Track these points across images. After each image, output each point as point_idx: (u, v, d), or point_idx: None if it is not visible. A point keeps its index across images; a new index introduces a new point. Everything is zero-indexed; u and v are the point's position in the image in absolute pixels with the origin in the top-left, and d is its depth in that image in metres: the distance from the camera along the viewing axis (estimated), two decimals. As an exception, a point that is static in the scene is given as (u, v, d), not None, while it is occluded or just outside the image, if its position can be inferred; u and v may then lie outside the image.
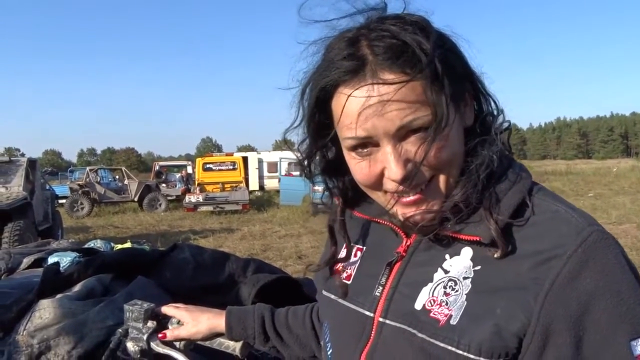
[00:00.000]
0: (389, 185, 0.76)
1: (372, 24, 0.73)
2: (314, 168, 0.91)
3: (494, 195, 0.75)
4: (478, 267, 0.75)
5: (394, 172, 0.72)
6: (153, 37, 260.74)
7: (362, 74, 0.71)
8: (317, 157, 0.89)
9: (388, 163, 0.73)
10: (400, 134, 0.72)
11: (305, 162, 0.89)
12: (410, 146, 0.72)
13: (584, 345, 0.67)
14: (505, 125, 0.82)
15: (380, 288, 0.84)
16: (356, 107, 0.71)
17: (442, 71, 0.70)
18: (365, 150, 0.76)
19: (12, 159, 10.81)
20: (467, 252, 0.77)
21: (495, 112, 0.81)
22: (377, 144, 0.74)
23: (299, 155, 0.89)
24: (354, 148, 0.77)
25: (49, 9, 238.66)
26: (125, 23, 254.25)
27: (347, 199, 0.93)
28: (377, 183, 0.78)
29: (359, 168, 0.78)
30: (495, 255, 0.72)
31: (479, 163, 0.75)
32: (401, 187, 0.74)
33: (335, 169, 0.89)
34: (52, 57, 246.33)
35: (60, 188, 20.02)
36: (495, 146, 0.76)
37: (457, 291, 0.75)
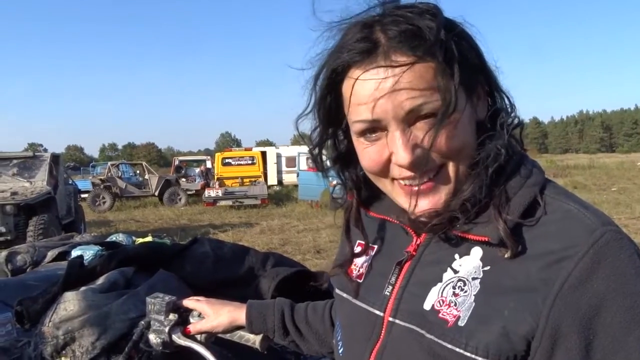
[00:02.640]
0: (396, 171, 0.75)
1: (387, 11, 0.73)
2: (326, 160, 0.90)
3: (503, 194, 0.74)
4: (487, 268, 0.74)
5: (402, 156, 0.72)
6: (174, 33, 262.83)
7: (374, 55, 0.70)
8: (330, 148, 0.88)
9: (396, 148, 0.72)
10: (410, 119, 0.71)
11: (316, 151, 0.88)
12: (419, 132, 0.71)
13: (594, 349, 0.65)
14: (516, 121, 0.80)
15: (390, 287, 0.83)
16: (366, 89, 0.71)
17: (454, 57, 0.70)
18: (373, 135, 0.75)
19: (35, 154, 10.99)
20: (476, 251, 0.76)
21: (508, 109, 0.80)
22: (385, 129, 0.73)
23: (309, 144, 0.88)
24: (362, 133, 0.76)
25: (68, 3, 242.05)
26: (146, 19, 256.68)
27: (360, 194, 0.92)
28: (384, 169, 0.77)
29: (367, 154, 0.77)
30: (505, 256, 0.71)
31: (485, 155, 0.74)
32: (408, 174, 0.74)
33: (347, 160, 0.88)
34: (75, 54, 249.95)
35: (83, 183, 20.33)
36: (502, 141, 0.75)
37: (465, 292, 0.74)
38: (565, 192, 0.76)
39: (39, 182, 10.18)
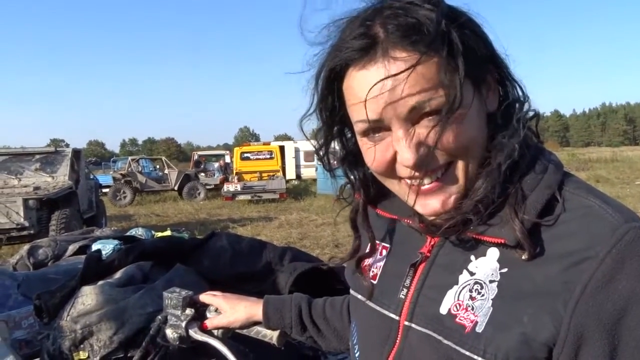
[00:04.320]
0: (402, 171, 0.72)
1: (386, 3, 0.69)
2: (333, 159, 0.87)
3: (519, 191, 0.70)
4: (505, 270, 0.70)
5: (406, 156, 0.68)
6: (194, 28, 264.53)
7: (373, 52, 0.67)
8: (337, 147, 0.85)
9: (400, 147, 0.69)
10: (413, 117, 0.68)
11: (321, 152, 0.85)
12: (424, 129, 0.68)
13: (618, 354, 0.61)
14: (531, 113, 0.76)
15: (405, 290, 0.80)
16: (366, 87, 0.68)
17: (457, 49, 0.66)
18: (377, 135, 0.72)
19: (57, 149, 11.16)
20: (493, 253, 0.72)
21: (521, 99, 0.75)
22: (388, 128, 0.70)
23: (314, 144, 0.85)
24: (365, 133, 0.73)
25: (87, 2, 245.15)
26: (166, 14, 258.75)
27: (368, 193, 0.89)
28: (390, 170, 0.74)
29: (371, 154, 0.74)
30: (523, 258, 0.67)
31: (500, 153, 0.70)
32: (415, 173, 0.70)
33: (355, 160, 0.85)
34: (96, 51, 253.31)
35: (104, 177, 20.62)
36: (518, 136, 0.70)
37: (483, 295, 0.70)
38: (586, 186, 0.72)
39: (61, 177, 10.33)
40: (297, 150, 27.18)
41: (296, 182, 25.51)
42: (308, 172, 25.96)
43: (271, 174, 20.52)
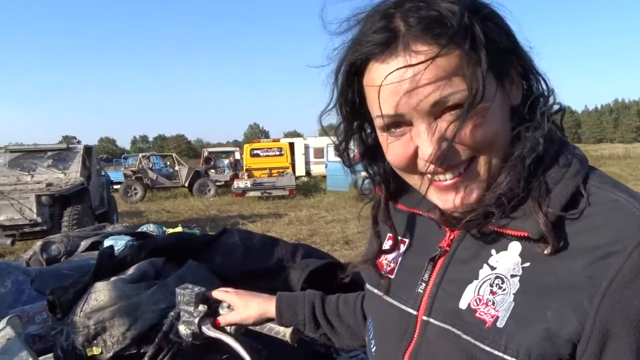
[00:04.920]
0: (424, 166, 0.71)
1: None
2: (353, 154, 0.86)
3: (543, 185, 0.69)
4: (527, 264, 0.69)
5: (427, 151, 0.68)
6: (202, 25, 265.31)
7: (394, 46, 0.66)
8: (356, 142, 0.85)
9: (421, 142, 0.68)
10: (435, 111, 0.67)
11: (342, 147, 0.84)
12: (445, 124, 0.67)
13: None
14: (556, 107, 0.74)
15: (423, 285, 0.79)
16: (387, 82, 0.67)
17: (480, 42, 0.65)
18: (398, 130, 0.71)
19: (69, 146, 11.26)
20: (515, 247, 0.71)
21: (545, 93, 0.74)
22: (410, 123, 0.69)
23: (335, 139, 0.84)
24: (386, 128, 0.72)
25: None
26: (175, 11, 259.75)
27: (389, 188, 0.88)
28: (411, 165, 0.73)
29: (392, 149, 0.73)
30: (546, 252, 0.66)
31: (523, 147, 0.69)
32: (436, 168, 0.69)
33: (375, 154, 0.84)
34: (107, 48, 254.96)
35: (115, 174, 20.77)
36: (542, 130, 0.69)
37: (504, 290, 0.69)
38: (612, 181, 0.70)
39: (73, 174, 10.43)
40: (306, 147, 27.19)
41: (306, 179, 25.55)
42: (318, 169, 25.96)
43: (281, 170, 20.57)
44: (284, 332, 1.18)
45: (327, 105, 0.80)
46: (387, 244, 0.91)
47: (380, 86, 0.68)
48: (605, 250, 0.62)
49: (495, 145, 0.69)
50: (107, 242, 2.62)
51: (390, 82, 0.67)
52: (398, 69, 0.66)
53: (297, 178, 21.65)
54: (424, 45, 0.64)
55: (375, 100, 0.70)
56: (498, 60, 0.67)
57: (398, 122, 0.70)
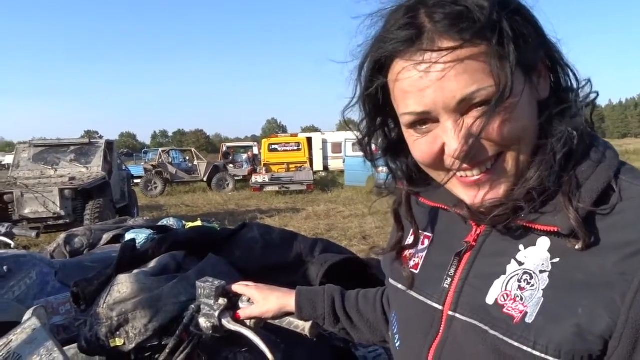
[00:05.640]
0: (451, 163, 0.70)
1: None
2: (375, 149, 0.86)
3: (574, 180, 0.67)
4: (556, 260, 0.68)
5: (455, 148, 0.67)
6: (221, 21, 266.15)
7: (419, 43, 0.66)
8: (380, 137, 0.84)
9: (448, 139, 0.68)
10: (462, 108, 0.66)
11: (365, 142, 0.84)
12: (473, 120, 0.66)
13: None
14: (593, 96, 0.73)
15: (449, 279, 0.79)
16: (413, 79, 0.66)
17: (507, 37, 0.63)
18: (424, 127, 0.71)
19: (91, 141, 11.44)
20: (543, 242, 0.70)
21: (575, 85, 0.72)
22: (436, 120, 0.69)
23: (358, 135, 0.84)
24: (412, 125, 0.72)
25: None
26: (194, 6, 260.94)
27: (411, 182, 0.87)
28: (438, 162, 0.72)
29: (418, 146, 0.73)
30: (576, 247, 0.65)
31: (555, 141, 0.67)
32: (464, 165, 0.68)
33: (397, 149, 0.84)
34: (127, 43, 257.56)
35: (136, 168, 20.99)
36: (572, 124, 0.68)
37: (532, 286, 0.68)
38: None
39: (95, 168, 10.59)
40: (324, 142, 27.16)
41: (323, 174, 25.53)
42: (335, 164, 25.92)
43: (298, 165, 20.59)
44: (303, 326, 1.19)
45: (350, 101, 0.80)
46: (409, 239, 0.91)
47: (405, 83, 0.68)
48: (637, 247, 0.61)
49: (523, 141, 0.68)
50: (128, 236, 2.66)
51: (416, 79, 0.66)
52: (423, 65, 0.65)
53: (314, 173, 21.64)
54: (450, 41, 0.64)
55: (401, 98, 0.70)
56: (526, 55, 0.66)
57: (424, 119, 0.70)
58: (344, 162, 20.05)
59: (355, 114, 0.82)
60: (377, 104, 0.77)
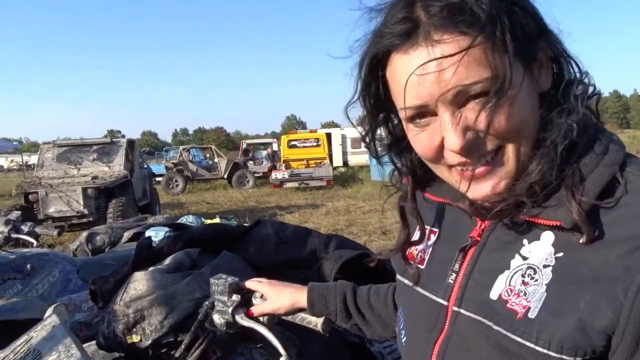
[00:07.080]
0: (450, 157, 0.70)
1: None
2: (379, 145, 0.86)
3: (577, 173, 0.66)
4: (560, 254, 0.67)
5: (453, 141, 0.66)
6: (240, 19, 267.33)
7: (415, 36, 0.65)
8: (383, 134, 0.84)
9: (446, 132, 0.67)
10: (459, 100, 0.65)
11: (367, 139, 0.84)
12: (470, 113, 0.65)
13: None
14: (591, 90, 0.71)
15: (454, 275, 0.78)
16: (409, 73, 0.66)
17: (505, 28, 0.62)
18: (423, 120, 0.70)
19: (113, 140, 11.63)
20: (547, 236, 0.69)
21: (577, 76, 0.71)
22: (434, 113, 0.68)
23: (361, 131, 0.84)
24: (411, 119, 0.71)
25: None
26: (216, 6, 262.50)
27: (416, 178, 0.87)
28: (438, 155, 0.72)
29: (418, 140, 0.72)
30: (580, 241, 0.64)
31: (555, 134, 0.66)
32: (463, 159, 0.68)
33: (401, 145, 0.83)
34: (149, 43, 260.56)
35: (157, 166, 21.31)
36: (575, 114, 0.66)
37: (536, 281, 0.67)
38: None
39: (117, 167, 10.77)
40: (343, 138, 27.11)
41: (343, 169, 25.50)
42: (355, 159, 25.87)
43: (318, 161, 20.58)
44: (316, 322, 1.19)
45: (351, 97, 0.80)
46: (416, 235, 0.91)
47: (402, 78, 0.67)
48: None
49: (523, 134, 0.67)
50: (148, 233, 2.70)
51: (412, 73, 0.66)
52: (420, 59, 0.65)
53: (334, 169, 21.62)
54: (445, 34, 0.63)
55: (399, 92, 0.69)
56: (525, 46, 0.65)
57: (422, 113, 0.69)
58: (370, 157, 19.94)
59: (361, 111, 0.82)
60: (377, 99, 0.77)
